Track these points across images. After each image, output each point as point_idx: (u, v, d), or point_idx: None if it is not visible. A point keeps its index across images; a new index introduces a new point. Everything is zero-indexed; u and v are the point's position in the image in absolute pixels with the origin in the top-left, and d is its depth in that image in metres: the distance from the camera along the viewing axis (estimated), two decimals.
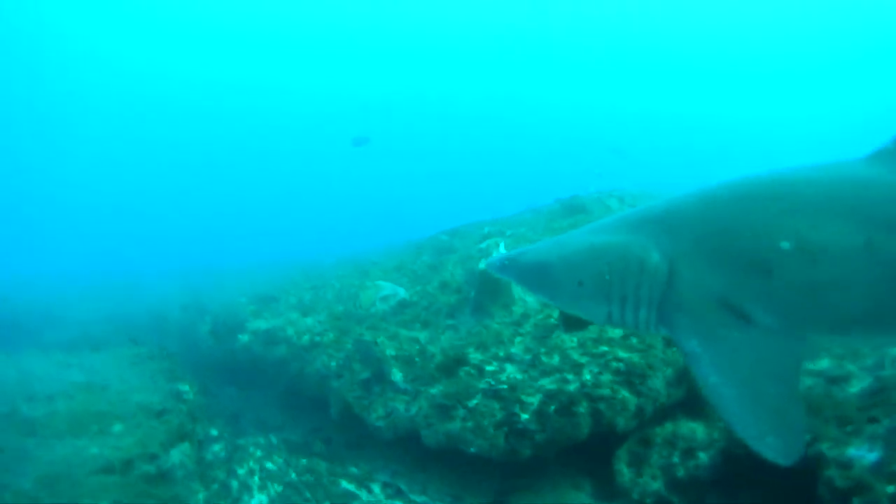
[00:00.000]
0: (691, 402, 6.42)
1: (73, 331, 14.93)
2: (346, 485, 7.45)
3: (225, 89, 73.10)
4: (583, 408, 6.11)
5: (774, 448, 2.93)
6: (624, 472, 5.88)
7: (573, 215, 11.26)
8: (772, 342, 3.34)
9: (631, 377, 6.34)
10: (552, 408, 6.18)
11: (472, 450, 6.27)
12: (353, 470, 7.80)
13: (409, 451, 7.64)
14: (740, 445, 3.18)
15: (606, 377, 6.36)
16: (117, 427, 6.37)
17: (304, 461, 8.07)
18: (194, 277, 19.14)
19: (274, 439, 8.96)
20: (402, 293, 9.48)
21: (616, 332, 6.94)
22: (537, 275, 4.10)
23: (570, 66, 78.15)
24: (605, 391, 6.20)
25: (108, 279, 22.20)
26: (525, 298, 8.19)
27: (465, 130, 74.41)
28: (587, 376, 6.41)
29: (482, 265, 8.00)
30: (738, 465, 5.22)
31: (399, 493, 7.31)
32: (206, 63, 72.54)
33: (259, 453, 8.27)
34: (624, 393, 6.20)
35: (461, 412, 6.50)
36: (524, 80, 78.24)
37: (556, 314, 7.56)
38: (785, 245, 3.38)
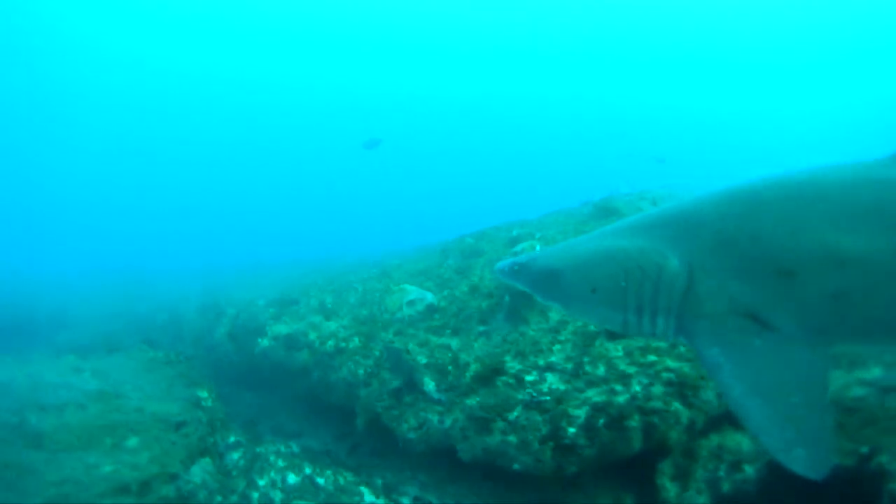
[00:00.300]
0: None
1: (87, 332, 14.70)
2: (373, 498, 7.05)
3: (240, 87, 73.16)
4: (634, 421, 5.69)
5: (802, 461, 2.82)
6: (668, 486, 5.53)
7: (605, 218, 10.71)
8: (797, 350, 3.20)
9: (683, 389, 5.93)
10: (601, 421, 5.76)
11: (516, 466, 5.84)
12: (380, 482, 7.39)
13: (438, 462, 7.25)
14: None
15: (658, 389, 5.93)
16: (133, 441, 5.89)
17: (328, 472, 7.66)
18: (210, 278, 18.93)
19: (295, 447, 8.59)
20: (430, 298, 9.05)
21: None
22: (548, 281, 3.94)
23: (585, 64, 77.85)
24: (658, 404, 5.79)
25: (122, 279, 22.07)
26: None
27: (471, 133, 74.41)
28: (637, 388, 5.98)
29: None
30: (785, 478, 4.85)
31: None
32: (222, 60, 72.45)
33: (281, 463, 7.87)
34: (676, 405, 5.78)
35: (501, 425, 6.08)
36: (537, 79, 78.11)
37: None
38: (809, 249, 3.26)
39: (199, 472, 5.73)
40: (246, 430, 9.09)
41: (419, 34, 75.23)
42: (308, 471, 7.67)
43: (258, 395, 10.87)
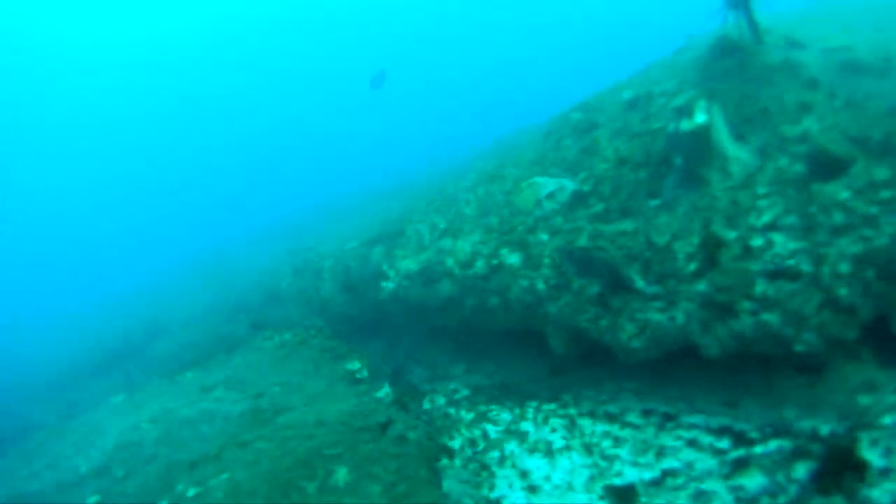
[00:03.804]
0: None
1: (184, 337, 13.51)
2: (608, 428, 6.17)
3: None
4: None
5: None
6: None
7: (731, 54, 9.11)
8: None
9: None
10: (869, 273, 4.75)
11: (799, 348, 4.84)
12: (608, 409, 6.52)
13: (643, 369, 6.38)
14: None
15: None
16: (342, 472, 4.45)
17: (529, 411, 6.80)
18: (281, 240, 17.77)
19: (465, 390, 7.78)
20: (570, 185, 7.92)
21: None
22: None
23: None
24: None
25: (199, 272, 20.92)
26: (738, 155, 6.53)
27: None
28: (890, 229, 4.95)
29: (686, 125, 6.44)
30: None
31: (669, 419, 5.95)
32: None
33: (466, 415, 7.17)
34: None
35: (747, 305, 5.08)
36: None
37: (784, 162, 6.08)
38: None
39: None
40: (393, 383, 8.05)
41: None
42: (507, 416, 6.79)
43: (384, 341, 10.00)
